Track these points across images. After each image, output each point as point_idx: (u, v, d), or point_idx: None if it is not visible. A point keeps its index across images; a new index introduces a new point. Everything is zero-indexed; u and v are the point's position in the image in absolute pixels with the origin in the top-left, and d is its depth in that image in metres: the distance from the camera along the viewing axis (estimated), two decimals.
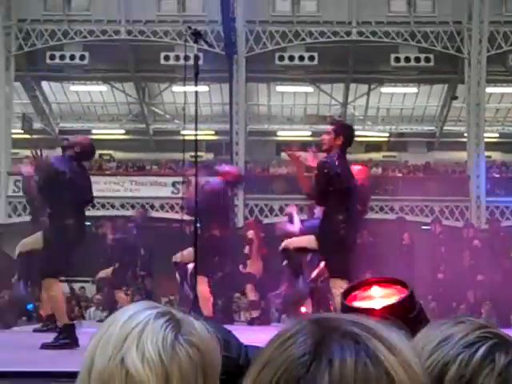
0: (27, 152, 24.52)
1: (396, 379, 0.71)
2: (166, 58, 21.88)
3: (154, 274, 14.21)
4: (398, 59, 21.81)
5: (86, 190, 7.36)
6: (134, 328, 1.10)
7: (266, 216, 21.07)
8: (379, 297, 1.54)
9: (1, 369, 4.80)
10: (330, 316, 0.79)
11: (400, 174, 23.75)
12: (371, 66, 23.12)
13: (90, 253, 13.12)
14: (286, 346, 0.74)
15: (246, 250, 12.82)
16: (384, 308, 1.49)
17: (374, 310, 1.49)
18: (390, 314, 1.43)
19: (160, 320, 1.12)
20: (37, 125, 25.81)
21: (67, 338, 6.68)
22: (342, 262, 6.41)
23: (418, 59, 21.73)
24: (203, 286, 9.08)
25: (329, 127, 6.81)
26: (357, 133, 26.90)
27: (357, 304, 1.53)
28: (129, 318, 1.12)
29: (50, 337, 7.03)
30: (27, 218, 20.68)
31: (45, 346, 6.58)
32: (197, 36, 6.48)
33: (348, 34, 22.09)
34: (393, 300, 1.51)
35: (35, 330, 9.80)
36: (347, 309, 1.54)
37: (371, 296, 1.56)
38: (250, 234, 12.98)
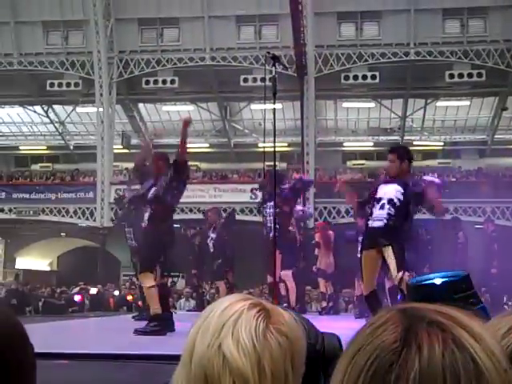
0: (126, 164, 25.17)
1: (481, 365, 0.68)
2: (245, 80, 22.07)
3: (236, 269, 14.22)
4: (452, 75, 21.42)
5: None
6: (229, 317, 1.09)
7: (334, 217, 20.94)
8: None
9: (101, 351, 4.89)
10: (415, 306, 0.76)
11: (454, 179, 23.25)
12: (427, 83, 22.71)
13: (179, 251, 13.32)
14: (378, 334, 0.72)
15: (316, 251, 12.76)
16: (443, 283, 1.48)
17: (434, 284, 1.48)
18: (448, 289, 1.43)
19: (253, 310, 1.11)
20: (134, 141, 26.38)
21: (157, 326, 6.70)
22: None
23: (470, 75, 21.28)
24: (290, 278, 9.18)
25: (390, 156, 6.58)
26: (414, 142, 26.68)
27: (419, 282, 1.52)
28: (225, 309, 1.11)
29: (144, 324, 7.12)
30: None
31: (137, 332, 6.62)
32: (274, 60, 6.46)
33: (406, 54, 21.81)
34: (451, 278, 1.50)
35: (134, 318, 9.95)
36: (412, 287, 1.53)
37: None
38: (317, 237, 12.88)
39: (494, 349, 0.71)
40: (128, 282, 19.39)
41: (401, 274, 6.21)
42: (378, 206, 6.56)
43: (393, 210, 6.43)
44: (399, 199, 6.44)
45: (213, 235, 12.89)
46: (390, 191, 6.49)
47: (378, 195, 6.55)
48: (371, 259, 6.51)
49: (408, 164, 6.48)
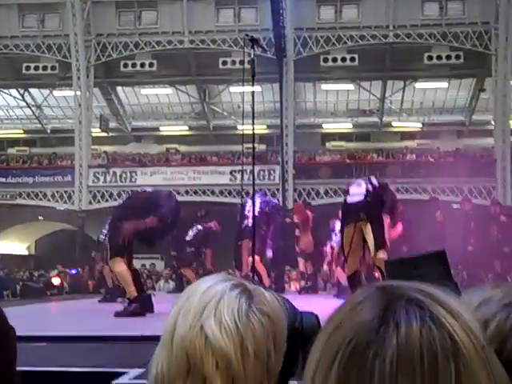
0: (104, 148, 25.05)
1: (459, 342, 0.69)
2: (224, 62, 21.96)
3: (214, 251, 14.24)
4: (430, 57, 21.52)
5: None
6: (211, 298, 1.08)
7: (313, 198, 21.02)
8: None
9: (80, 333, 4.89)
10: (395, 283, 0.76)
11: (432, 159, 23.44)
12: (406, 65, 22.76)
13: None
14: (357, 311, 0.73)
15: (297, 232, 12.80)
16: (421, 255, 1.52)
17: (412, 257, 1.51)
18: (408, 265, 1.47)
19: (235, 291, 1.10)
20: (112, 124, 26.21)
21: (137, 308, 6.78)
22: None
23: (449, 57, 21.41)
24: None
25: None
26: (393, 123, 26.71)
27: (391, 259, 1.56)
28: (207, 289, 1.10)
29: (114, 306, 7.15)
30: (104, 205, 21.24)
31: (117, 314, 6.69)
32: (253, 42, 6.42)
33: (385, 36, 21.83)
34: (413, 255, 1.55)
35: (99, 301, 10.06)
36: (389, 263, 1.56)
37: None
38: (296, 218, 12.92)
39: (471, 326, 0.72)
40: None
41: (380, 253, 6.22)
42: (354, 185, 6.57)
43: (371, 186, 6.43)
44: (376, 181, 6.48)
45: (199, 226, 13.01)
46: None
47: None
48: (351, 236, 6.50)
49: None
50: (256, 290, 1.12)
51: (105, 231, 9.69)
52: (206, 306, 1.07)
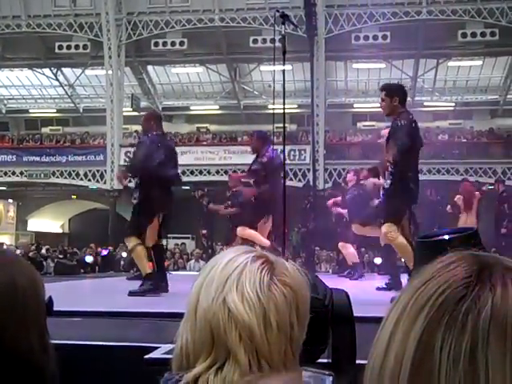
0: (136, 127, 25.14)
1: None
2: (255, 41, 21.85)
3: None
4: (464, 35, 21.08)
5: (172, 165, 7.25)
6: (233, 271, 1.09)
7: (344, 179, 20.87)
8: None
9: (112, 309, 4.98)
10: (487, 253, 0.75)
11: (465, 140, 23.07)
12: (439, 42, 22.35)
13: (188, 213, 13.36)
14: (453, 267, 0.71)
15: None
16: (452, 238, 1.49)
17: (443, 240, 1.49)
18: (457, 244, 1.44)
19: (256, 263, 1.10)
20: (143, 103, 26.31)
21: (151, 285, 6.58)
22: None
23: (483, 34, 20.92)
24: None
25: (381, 94, 6.27)
26: (425, 103, 26.21)
27: (428, 238, 1.54)
28: (228, 262, 1.11)
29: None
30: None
31: (131, 293, 6.47)
32: (284, 18, 6.32)
33: (418, 13, 21.44)
34: (460, 234, 1.52)
35: (128, 279, 9.87)
36: (420, 243, 1.54)
37: None
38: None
39: None
40: None
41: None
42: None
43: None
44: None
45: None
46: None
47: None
48: None
49: (398, 100, 6.03)
50: (278, 262, 1.13)
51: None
52: (228, 279, 1.08)
